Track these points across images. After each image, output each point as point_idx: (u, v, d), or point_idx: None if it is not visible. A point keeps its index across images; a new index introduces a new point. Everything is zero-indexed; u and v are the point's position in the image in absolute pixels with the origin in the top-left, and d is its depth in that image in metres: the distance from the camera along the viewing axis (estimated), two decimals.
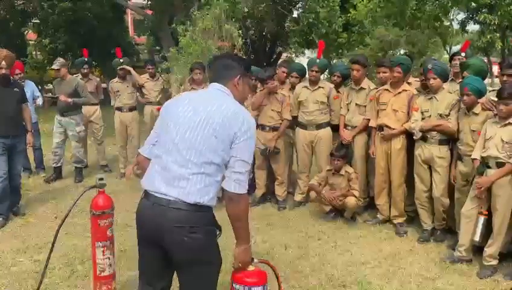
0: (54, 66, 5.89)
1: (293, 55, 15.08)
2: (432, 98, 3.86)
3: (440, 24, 11.18)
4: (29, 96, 6.01)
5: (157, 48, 20.32)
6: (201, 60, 6.07)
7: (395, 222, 4.32)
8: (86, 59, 6.30)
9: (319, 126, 4.77)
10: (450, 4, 10.67)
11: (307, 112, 4.76)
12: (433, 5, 10.33)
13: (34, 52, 17.23)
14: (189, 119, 1.93)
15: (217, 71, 2.10)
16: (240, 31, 6.41)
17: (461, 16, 16.09)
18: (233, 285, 2.03)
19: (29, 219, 4.66)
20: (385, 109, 4.18)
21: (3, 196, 4.43)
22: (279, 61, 5.24)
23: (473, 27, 16.94)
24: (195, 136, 1.90)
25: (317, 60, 4.86)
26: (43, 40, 16.70)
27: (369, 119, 4.41)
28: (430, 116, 3.82)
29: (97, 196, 2.84)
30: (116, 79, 6.22)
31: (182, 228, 1.85)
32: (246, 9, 18.47)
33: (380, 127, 4.23)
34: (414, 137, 3.91)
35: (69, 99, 5.67)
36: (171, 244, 1.89)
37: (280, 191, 5.04)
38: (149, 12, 15.60)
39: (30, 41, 18.52)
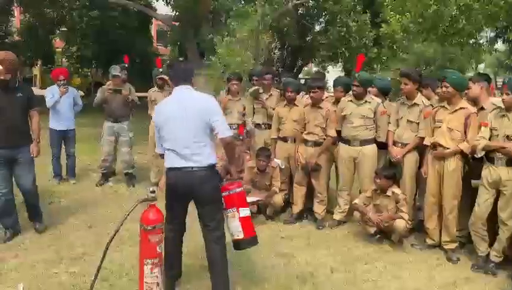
0: (116, 73, 5.89)
1: (320, 69, 14.91)
2: (504, 115, 3.61)
3: (474, 42, 10.89)
4: (70, 103, 6.16)
5: (180, 58, 20.45)
6: (238, 70, 5.96)
7: (445, 247, 4.06)
8: (126, 65, 6.27)
9: (363, 142, 4.55)
10: (484, 22, 10.40)
11: (351, 127, 4.56)
12: (467, 22, 10.08)
13: (60, 60, 17.41)
14: (180, 115, 2.91)
15: (180, 75, 3.06)
16: (275, 45, 6.28)
17: (489, 34, 15.79)
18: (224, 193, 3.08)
19: (60, 228, 4.53)
20: (440, 127, 3.95)
21: (6, 211, 4.14)
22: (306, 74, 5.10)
23: (500, 46, 16.61)
24: (188, 124, 2.90)
25: (356, 74, 4.67)
26: (70, 48, 16.93)
27: (422, 138, 4.19)
28: (498, 135, 3.58)
29: (148, 209, 2.69)
30: (155, 88, 6.16)
31: (204, 181, 2.93)
32: (269, 23, 18.58)
33: (434, 146, 4.00)
34: (475, 156, 3.67)
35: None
36: (199, 191, 2.94)
37: (319, 209, 4.82)
38: (175, 23, 15.65)
39: (57, 49, 18.79)
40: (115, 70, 5.89)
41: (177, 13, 16.03)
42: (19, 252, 3.91)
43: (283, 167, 4.99)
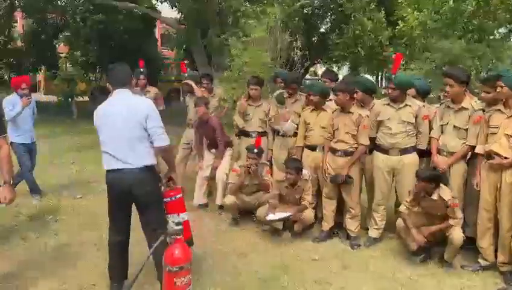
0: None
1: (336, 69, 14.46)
2: None
3: (493, 38, 10.40)
4: (31, 113, 5.56)
5: (186, 61, 20.05)
6: (253, 72, 5.51)
7: (502, 269, 3.58)
8: (142, 69, 5.90)
9: (403, 151, 4.07)
10: (504, 17, 9.92)
11: (389, 134, 4.08)
12: (486, 18, 9.61)
13: (64, 65, 17.03)
14: (117, 118, 2.95)
15: (119, 79, 3.05)
16: (296, 45, 5.84)
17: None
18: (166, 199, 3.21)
19: (65, 250, 4.09)
20: (496, 133, 3.47)
21: None
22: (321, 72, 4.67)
23: None
24: (124, 127, 2.93)
25: (392, 76, 4.22)
26: (75, 53, 16.55)
27: (471, 146, 3.72)
28: None
29: (173, 245, 2.24)
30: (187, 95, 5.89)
31: (141, 182, 2.97)
32: (280, 24, 18.19)
33: (488, 155, 3.52)
34: None
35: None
36: (137, 193, 2.98)
37: (353, 225, 4.34)
38: (181, 25, 15.25)
39: (61, 54, 18.42)
40: (137, 75, 5.67)
41: (182, 15, 15.69)
42: (19, 282, 3.48)
43: (310, 177, 4.53)
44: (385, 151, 4.13)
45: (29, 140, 5.52)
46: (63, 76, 16.07)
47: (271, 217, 4.26)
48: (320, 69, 19.45)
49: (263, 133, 5.17)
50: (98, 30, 15.95)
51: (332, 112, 4.40)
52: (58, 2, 16.69)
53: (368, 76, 13.41)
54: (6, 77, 17.32)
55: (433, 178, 3.70)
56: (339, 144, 4.26)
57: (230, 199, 4.72)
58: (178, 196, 3.24)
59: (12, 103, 5.29)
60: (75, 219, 4.99)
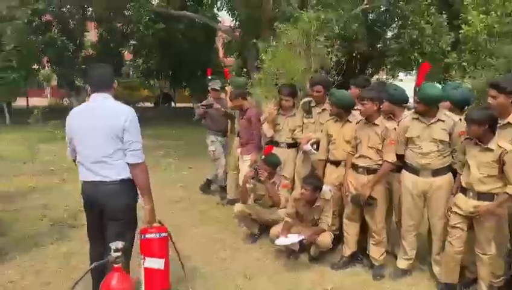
0: (214, 86, 5.81)
1: (389, 78, 13.65)
2: None
3: None
4: None
5: (244, 69, 20.18)
6: (284, 79, 5.18)
7: None
8: (210, 77, 6.11)
9: (436, 172, 3.51)
10: None
11: (419, 154, 3.54)
12: None
13: (128, 72, 17.82)
14: (90, 126, 2.71)
15: (98, 81, 2.79)
16: (331, 51, 5.41)
17: None
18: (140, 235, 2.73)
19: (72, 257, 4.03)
20: None
21: None
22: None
23: None
24: (98, 137, 2.69)
25: (417, 88, 3.64)
26: (137, 61, 17.27)
27: None
28: None
29: (110, 274, 2.00)
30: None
31: (113, 196, 2.76)
32: (337, 30, 17.61)
33: None
34: None
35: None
36: (107, 207, 2.79)
37: (377, 253, 3.84)
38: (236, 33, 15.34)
39: (127, 62, 19.31)
40: (215, 84, 5.84)
41: (237, 23, 15.76)
42: None
43: (332, 196, 4.10)
44: (415, 171, 3.58)
45: None
46: (125, 83, 16.80)
47: (280, 241, 3.89)
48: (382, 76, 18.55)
49: (293, 145, 4.83)
50: (159, 39, 16.52)
51: (356, 123, 3.94)
52: (126, 11, 17.56)
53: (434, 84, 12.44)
54: (77, 83, 18.42)
55: (486, 119, 3.05)
56: (361, 160, 3.80)
57: (238, 207, 4.44)
58: (151, 236, 2.73)
59: None
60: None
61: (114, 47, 19.01)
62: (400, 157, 3.69)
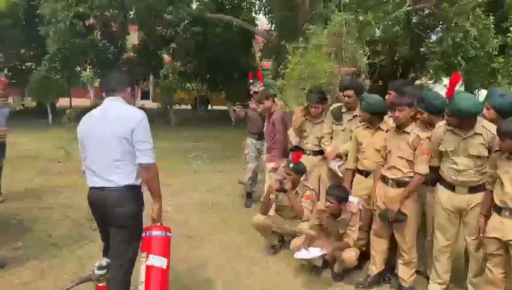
0: (256, 89, 5.72)
1: (430, 82, 12.99)
2: None
3: None
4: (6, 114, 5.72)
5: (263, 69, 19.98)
6: (312, 82, 4.91)
7: None
8: (251, 81, 6.01)
9: (473, 189, 3.14)
10: None
11: (455, 169, 3.18)
12: None
13: (164, 75, 18.01)
14: (99, 130, 2.69)
15: (111, 86, 2.80)
16: (366, 54, 5.09)
17: None
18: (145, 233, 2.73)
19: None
20: None
21: None
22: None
23: None
24: (106, 141, 2.65)
25: (447, 100, 3.23)
26: (175, 63, 17.47)
27: None
28: None
29: None
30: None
31: (118, 202, 2.69)
32: (378, 33, 17.08)
33: None
34: None
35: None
36: (111, 214, 2.72)
37: (405, 273, 3.51)
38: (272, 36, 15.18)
39: (166, 65, 19.56)
40: (256, 86, 5.74)
41: (273, 25, 15.58)
42: None
43: (360, 207, 3.80)
44: (450, 186, 3.23)
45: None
46: (163, 85, 17.03)
47: (301, 254, 3.62)
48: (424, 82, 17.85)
49: (320, 153, 4.57)
50: (196, 42, 16.64)
51: (386, 131, 3.63)
52: (166, 15, 17.85)
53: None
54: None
55: None
56: (390, 171, 3.48)
57: (258, 219, 4.21)
58: (155, 233, 2.69)
59: None
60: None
61: (154, 50, 19.33)
62: (435, 169, 3.35)
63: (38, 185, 6.74)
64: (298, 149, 4.66)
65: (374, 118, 3.79)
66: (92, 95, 24.93)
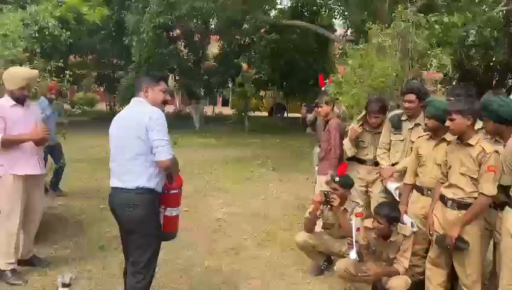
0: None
1: None
2: None
3: None
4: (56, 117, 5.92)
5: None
6: (372, 85, 4.45)
7: None
8: (322, 88, 5.75)
9: None
10: None
11: None
12: None
13: (240, 82, 18.22)
14: (119, 129, 2.75)
15: (137, 87, 2.86)
16: (436, 56, 4.49)
17: None
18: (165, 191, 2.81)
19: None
20: None
21: None
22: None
23: None
24: (123, 139, 2.69)
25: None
26: (250, 71, 17.62)
27: None
28: None
29: None
30: None
31: (129, 205, 2.68)
32: (471, 38, 15.60)
33: None
34: None
35: None
36: (123, 216, 2.75)
37: None
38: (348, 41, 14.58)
39: (241, 72, 19.85)
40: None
41: (351, 31, 14.98)
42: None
43: (415, 229, 3.29)
44: None
45: (50, 143, 5.74)
46: (237, 92, 17.25)
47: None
48: None
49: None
50: (271, 49, 16.61)
51: (447, 144, 3.09)
52: (244, 24, 18.11)
53: None
54: (198, 92, 19.49)
55: None
56: (451, 190, 2.95)
57: (301, 237, 3.83)
58: (172, 191, 2.81)
59: (42, 107, 5.62)
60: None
61: (232, 58, 19.73)
62: (504, 189, 2.75)
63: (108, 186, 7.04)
64: (356, 159, 4.25)
65: (438, 126, 3.26)
66: (177, 102, 26.14)
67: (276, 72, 17.54)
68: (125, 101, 17.48)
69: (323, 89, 5.39)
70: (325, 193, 3.71)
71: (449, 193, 2.95)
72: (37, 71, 3.73)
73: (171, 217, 2.82)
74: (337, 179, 3.65)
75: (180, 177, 2.86)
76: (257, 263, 4.16)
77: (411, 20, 4.61)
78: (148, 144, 2.60)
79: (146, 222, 2.67)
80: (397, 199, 3.60)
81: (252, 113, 18.77)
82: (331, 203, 3.62)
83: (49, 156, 5.82)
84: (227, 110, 22.51)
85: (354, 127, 4.19)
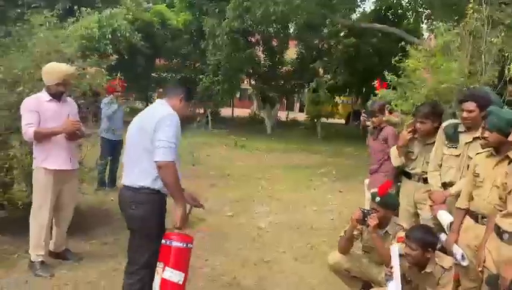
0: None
1: None
2: None
3: None
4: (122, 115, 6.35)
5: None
6: (435, 94, 3.89)
7: None
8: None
9: None
10: None
11: None
12: None
13: (314, 87, 17.78)
14: (133, 127, 2.71)
15: (167, 90, 2.90)
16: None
17: None
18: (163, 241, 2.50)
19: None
20: None
21: None
22: None
23: None
24: (134, 137, 2.67)
25: None
26: (324, 76, 17.14)
27: None
28: None
29: None
30: None
31: (130, 203, 2.62)
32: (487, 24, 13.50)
33: None
34: None
35: None
36: (125, 214, 2.71)
37: None
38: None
39: (316, 78, 19.42)
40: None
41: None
42: None
43: (466, 263, 2.75)
44: None
45: (115, 137, 6.22)
46: (311, 98, 16.86)
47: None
48: None
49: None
50: (348, 54, 15.97)
51: (508, 163, 2.51)
52: (324, 28, 17.67)
53: None
54: (272, 96, 19.42)
55: None
56: (508, 220, 2.38)
57: (334, 258, 3.39)
58: (177, 244, 2.46)
59: (109, 103, 6.11)
60: (206, 233, 4.78)
61: (309, 63, 19.39)
62: None
63: None
64: (404, 173, 3.75)
65: (501, 140, 2.68)
66: (254, 106, 26.41)
67: (354, 77, 16.82)
68: (202, 103, 18.08)
69: (378, 95, 4.88)
70: (365, 211, 3.26)
71: (505, 224, 2.39)
72: (73, 68, 3.79)
73: (169, 283, 2.44)
74: (378, 198, 3.20)
75: (190, 236, 2.60)
76: (288, 280, 3.84)
77: (486, 16, 3.96)
78: (154, 144, 2.53)
79: (147, 222, 2.60)
80: (446, 231, 3.05)
81: (325, 120, 18.25)
82: (368, 223, 3.18)
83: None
84: (303, 116, 22.21)
85: (403, 132, 3.70)
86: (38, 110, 3.46)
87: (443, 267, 2.69)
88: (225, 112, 24.82)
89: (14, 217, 4.33)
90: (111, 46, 7.72)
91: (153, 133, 2.51)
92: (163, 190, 2.61)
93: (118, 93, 6.47)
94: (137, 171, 2.60)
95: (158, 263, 2.50)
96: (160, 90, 7.13)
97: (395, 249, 2.87)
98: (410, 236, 2.75)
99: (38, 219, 3.54)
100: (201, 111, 17.49)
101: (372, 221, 3.14)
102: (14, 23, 4.76)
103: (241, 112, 25.26)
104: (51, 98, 3.56)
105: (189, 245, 2.53)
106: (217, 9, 14.75)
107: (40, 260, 3.59)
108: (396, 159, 3.74)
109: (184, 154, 9.55)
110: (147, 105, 20.46)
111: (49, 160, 3.49)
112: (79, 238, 4.35)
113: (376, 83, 4.96)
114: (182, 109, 2.75)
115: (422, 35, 17.43)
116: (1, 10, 11.49)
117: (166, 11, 18.49)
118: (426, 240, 2.69)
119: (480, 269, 2.52)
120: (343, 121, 23.30)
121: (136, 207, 2.58)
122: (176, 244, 2.46)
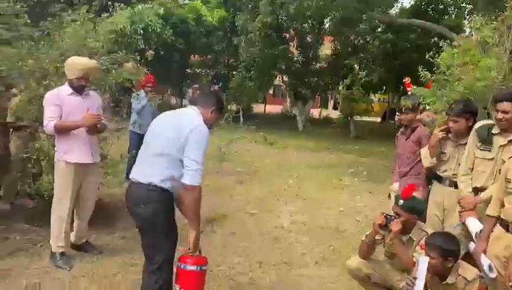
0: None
1: None
2: None
3: None
4: (153, 110, 6.34)
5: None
6: (467, 91, 3.64)
7: None
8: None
9: None
10: None
11: None
12: None
13: (348, 84, 17.37)
14: (160, 127, 2.70)
15: (198, 100, 2.85)
16: None
17: None
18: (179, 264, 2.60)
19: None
20: None
21: None
22: None
23: None
24: (159, 138, 2.64)
25: None
26: (360, 73, 16.69)
27: None
28: None
29: None
30: None
31: (141, 199, 2.59)
32: None
33: None
34: None
35: None
36: (134, 211, 2.65)
37: None
38: None
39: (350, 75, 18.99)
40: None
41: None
42: None
43: (494, 274, 2.54)
44: None
45: (142, 131, 6.05)
46: (344, 95, 16.49)
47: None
48: None
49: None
50: (385, 50, 15.46)
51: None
52: (361, 24, 17.22)
53: None
54: (304, 93, 19.15)
55: None
56: None
57: (354, 262, 3.23)
58: (190, 268, 2.56)
59: (139, 98, 6.17)
60: (227, 230, 4.76)
61: (344, 60, 18.97)
62: None
63: None
64: (435, 176, 3.54)
65: None
66: (288, 104, 26.22)
67: (391, 75, 16.27)
68: (235, 99, 18.12)
69: (409, 92, 4.61)
70: (387, 215, 3.10)
71: None
72: (95, 62, 3.80)
73: None
74: (401, 202, 3.02)
75: (204, 257, 2.68)
76: (306, 283, 3.71)
77: None
78: (180, 153, 2.52)
79: (154, 219, 2.56)
80: (475, 240, 2.84)
81: (359, 118, 17.81)
82: (391, 228, 3.01)
83: None
84: (337, 114, 21.79)
85: (435, 131, 3.48)
86: (59, 104, 3.51)
87: (466, 279, 2.49)
88: (257, 108, 24.77)
89: (41, 208, 4.43)
90: (143, 42, 7.80)
91: (183, 142, 2.50)
92: (172, 190, 2.60)
93: (148, 88, 6.53)
94: (149, 168, 2.58)
95: (174, 285, 2.59)
96: (196, 86, 7.14)
97: (424, 259, 2.65)
98: (429, 243, 2.58)
99: (59, 211, 3.60)
100: (234, 107, 17.52)
101: (395, 226, 2.97)
102: (54, 18, 4.85)
103: (274, 109, 25.15)
104: (72, 91, 3.60)
105: (203, 268, 2.61)
106: (250, 5, 14.66)
107: (60, 251, 3.64)
108: (426, 159, 3.53)
109: (213, 150, 9.58)
110: (181, 100, 20.60)
111: (70, 153, 3.53)
112: (101, 231, 4.40)
113: (406, 80, 4.64)
114: (211, 119, 2.76)
115: (465, 31, 16.70)
116: (43, 6, 11.92)
117: (201, 7, 18.62)
118: (446, 248, 2.51)
119: (510, 283, 2.32)
120: (378, 119, 22.71)
121: (143, 204, 2.55)
122: (190, 268, 2.56)
